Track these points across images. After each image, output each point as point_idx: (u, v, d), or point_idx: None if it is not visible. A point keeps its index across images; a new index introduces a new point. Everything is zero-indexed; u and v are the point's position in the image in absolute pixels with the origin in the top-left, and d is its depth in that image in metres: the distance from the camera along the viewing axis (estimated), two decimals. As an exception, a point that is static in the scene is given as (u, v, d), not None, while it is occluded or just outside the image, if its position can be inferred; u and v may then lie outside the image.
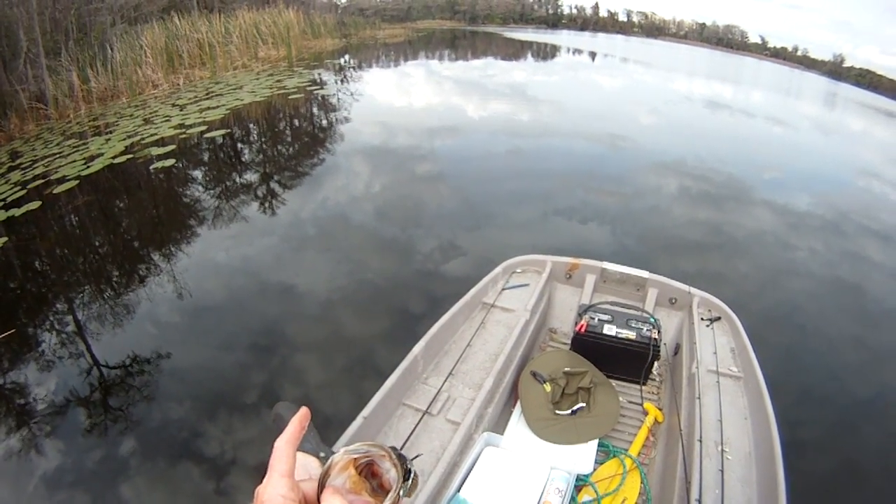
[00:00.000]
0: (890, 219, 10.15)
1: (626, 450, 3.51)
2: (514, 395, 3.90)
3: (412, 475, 0.90)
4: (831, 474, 4.41)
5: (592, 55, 34.02)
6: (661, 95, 20.77)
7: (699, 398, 3.44)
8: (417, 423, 3.25)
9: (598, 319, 4.14)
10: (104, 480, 4.33)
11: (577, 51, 35.09)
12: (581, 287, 4.89)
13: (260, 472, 0.79)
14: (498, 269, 4.79)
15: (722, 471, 2.95)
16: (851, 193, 11.45)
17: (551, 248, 5.24)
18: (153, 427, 4.79)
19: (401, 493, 0.88)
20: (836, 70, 62.74)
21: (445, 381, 3.58)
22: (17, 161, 11.27)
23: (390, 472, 0.89)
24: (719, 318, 4.36)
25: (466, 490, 3.01)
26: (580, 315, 4.20)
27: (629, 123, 15.59)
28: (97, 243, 8.42)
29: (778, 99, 23.59)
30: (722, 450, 3.10)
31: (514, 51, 31.44)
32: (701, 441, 3.10)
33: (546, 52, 32.48)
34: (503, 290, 4.61)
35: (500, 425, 3.67)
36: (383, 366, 4.88)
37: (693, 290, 4.57)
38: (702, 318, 4.33)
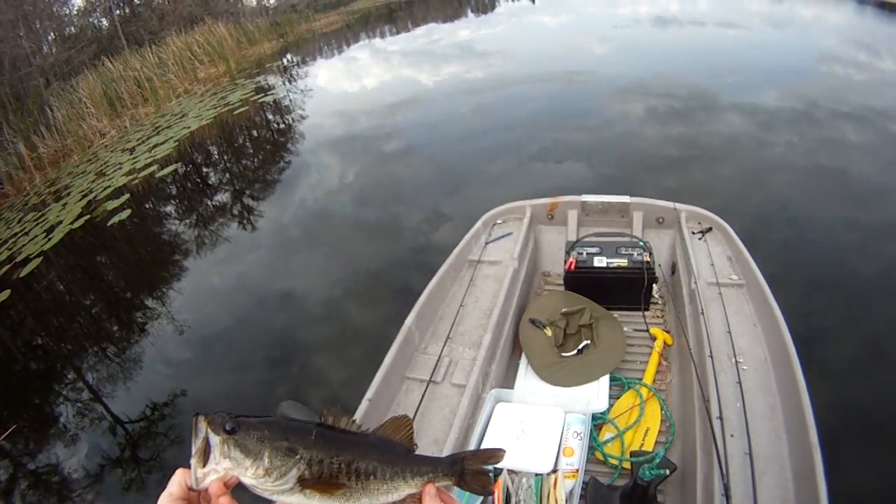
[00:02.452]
0: (858, 98, 10.08)
1: (640, 379, 3.48)
2: (516, 346, 3.87)
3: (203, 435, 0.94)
4: (851, 360, 4.39)
5: (532, -2, 33.86)
6: (607, 22, 20.62)
7: (703, 313, 3.40)
8: (424, 394, 3.22)
9: (587, 253, 4.10)
10: None
11: (516, -3, 34.91)
12: (565, 225, 4.81)
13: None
14: (478, 224, 4.72)
15: (740, 382, 2.91)
16: (816, 80, 11.35)
17: (534, 193, 5.20)
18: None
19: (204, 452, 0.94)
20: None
21: (444, 346, 3.54)
22: None
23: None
24: (710, 229, 4.30)
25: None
26: (568, 253, 4.16)
27: (582, 56, 15.50)
28: (77, 315, 8.35)
29: (724, 2, 23.47)
30: (736, 361, 3.06)
31: (453, 11, 31.19)
32: (712, 356, 3.06)
33: (485, 5, 32.19)
34: (487, 243, 4.56)
35: (508, 379, 3.65)
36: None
37: (678, 205, 4.50)
38: (693, 232, 4.27)
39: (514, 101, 12.38)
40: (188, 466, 0.96)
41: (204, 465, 0.94)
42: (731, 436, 2.65)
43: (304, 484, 0.98)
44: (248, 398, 5.33)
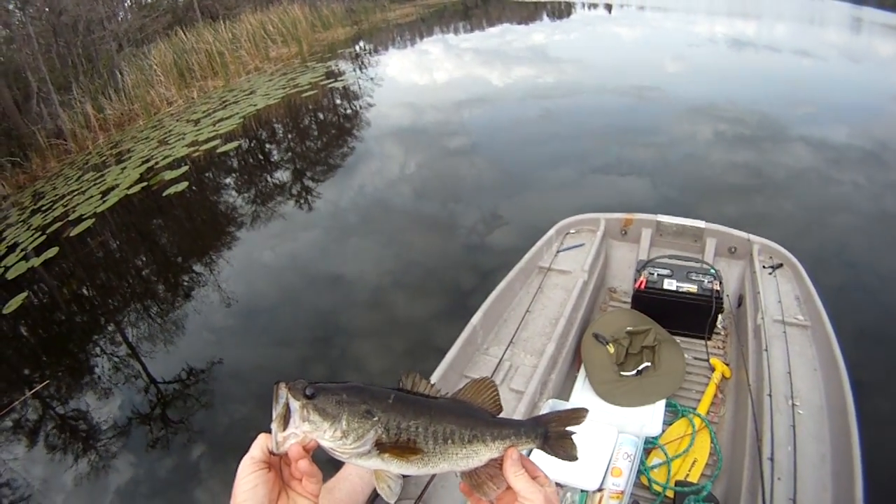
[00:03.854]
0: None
1: (695, 408, 3.43)
2: (577, 359, 3.84)
3: (285, 401, 0.98)
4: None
5: (608, 7, 33.36)
6: (682, 40, 20.28)
7: (766, 350, 3.33)
8: None
9: (658, 275, 4.05)
10: (178, 486, 4.53)
11: (593, 5, 34.47)
12: (637, 243, 4.77)
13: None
14: (551, 231, 4.70)
15: (794, 426, 2.85)
16: (889, 121, 11.14)
17: (594, 207, 5.18)
18: (219, 431, 4.96)
19: (285, 416, 0.98)
20: (857, -7, 61.04)
21: (506, 349, 3.54)
22: (39, 203, 11.34)
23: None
24: (781, 265, 4.20)
25: (533, 460, 2.90)
26: (639, 272, 4.11)
27: (655, 72, 15.26)
28: (123, 277, 8.54)
29: (802, 30, 22.94)
30: (792, 404, 3.00)
31: (529, 14, 30.92)
32: (771, 396, 3.01)
33: (561, 11, 31.92)
34: (558, 252, 4.53)
35: (564, 391, 3.62)
36: (441, 343, 4.94)
37: (752, 237, 4.42)
38: (763, 266, 4.18)
39: (583, 110, 12.31)
40: (269, 432, 1.00)
41: (284, 430, 0.98)
42: (779, 479, 2.61)
43: (381, 448, 1.00)
44: (284, 374, 5.36)
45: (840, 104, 12.32)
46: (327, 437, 0.98)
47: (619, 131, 10.62)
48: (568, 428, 1.16)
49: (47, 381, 6.13)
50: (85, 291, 8.33)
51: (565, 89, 14.18)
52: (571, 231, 4.80)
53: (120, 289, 8.20)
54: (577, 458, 1.16)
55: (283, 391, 0.99)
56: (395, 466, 1.03)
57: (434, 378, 3.12)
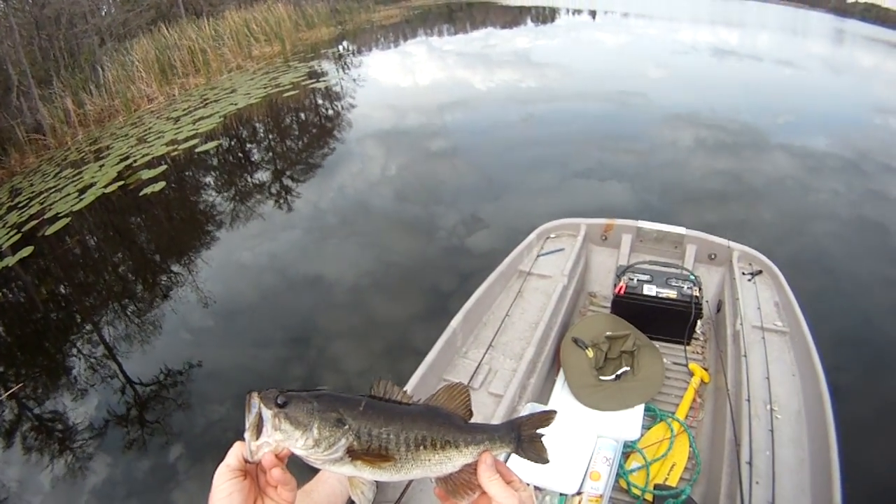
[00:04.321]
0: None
1: (673, 413, 3.45)
2: (556, 363, 3.83)
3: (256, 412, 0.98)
4: (887, 428, 4.31)
5: (592, 13, 33.59)
6: (665, 47, 20.46)
7: (745, 356, 3.36)
8: None
9: (638, 280, 4.05)
10: (156, 488, 4.48)
11: (577, 11, 34.64)
12: (617, 248, 4.78)
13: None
14: (532, 236, 4.68)
15: (772, 431, 2.88)
16: (868, 132, 11.25)
17: (575, 211, 5.18)
18: (196, 432, 4.91)
19: (258, 427, 0.98)
20: (840, 6, 61.57)
21: (486, 353, 3.53)
22: (16, 200, 11.12)
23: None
24: (760, 272, 4.23)
25: (512, 463, 2.84)
26: (618, 276, 4.12)
27: (637, 79, 15.36)
28: (99, 277, 8.42)
29: (784, 40, 23.17)
30: (771, 409, 3.03)
31: (513, 18, 31.07)
32: (749, 401, 3.03)
33: (545, 16, 32.03)
34: (538, 256, 4.52)
35: (543, 395, 3.62)
36: (419, 345, 4.92)
37: (732, 244, 4.45)
38: (743, 273, 4.22)
39: (565, 115, 12.34)
40: (244, 439, 1.00)
41: (257, 439, 0.99)
42: (757, 483, 2.62)
43: (353, 455, 1.00)
44: (262, 374, 5.40)
45: (820, 114, 12.50)
46: (299, 445, 0.98)
47: (600, 137, 10.67)
48: (538, 430, 1.15)
49: (23, 384, 6.03)
50: (61, 291, 8.21)
51: (548, 94, 14.25)
52: (552, 235, 4.80)
53: (96, 288, 8.09)
54: (548, 461, 1.14)
55: (255, 400, 1.00)
56: (368, 473, 1.03)
57: (413, 381, 3.14)
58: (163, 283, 7.53)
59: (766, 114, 12.03)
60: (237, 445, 1.04)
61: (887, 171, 9.15)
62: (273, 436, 0.98)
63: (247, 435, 0.99)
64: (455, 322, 3.58)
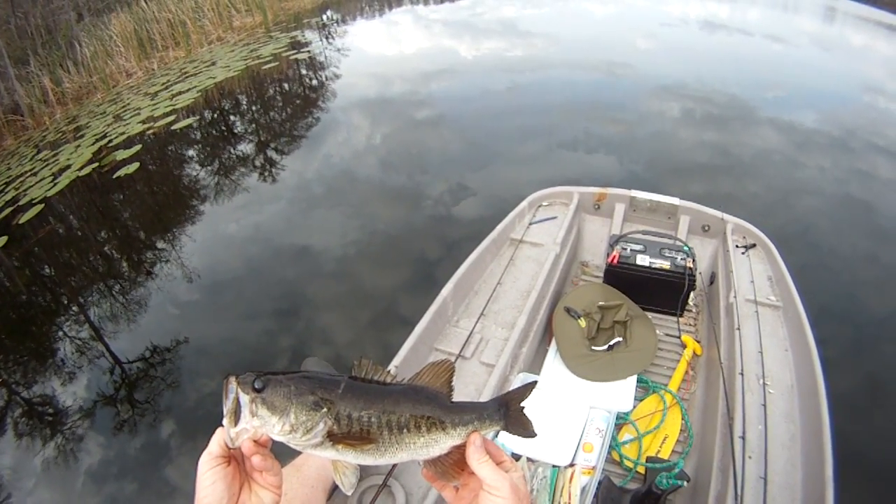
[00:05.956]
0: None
1: (666, 385, 3.42)
2: (548, 332, 3.79)
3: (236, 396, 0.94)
4: (881, 399, 4.34)
5: (581, -18, 33.47)
6: (655, 18, 20.31)
7: (738, 329, 3.33)
8: None
9: (631, 250, 4.00)
10: (148, 465, 4.48)
11: (565, -20, 34.51)
12: (610, 217, 4.73)
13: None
14: (524, 203, 4.64)
15: (764, 405, 2.88)
16: (858, 110, 11.25)
17: (561, 180, 5.13)
18: (186, 408, 4.91)
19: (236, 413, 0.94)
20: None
21: (477, 322, 3.47)
22: None
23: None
24: (755, 245, 4.21)
25: (503, 434, 2.80)
26: (611, 246, 4.07)
27: (626, 49, 15.22)
28: (79, 261, 8.32)
29: (775, 15, 23.08)
30: (763, 383, 3.02)
31: (501, -15, 30.93)
32: (742, 374, 3.02)
33: (533, -16, 31.91)
34: (530, 224, 4.47)
35: (535, 364, 3.58)
36: (408, 314, 4.93)
37: (726, 216, 4.42)
38: (736, 246, 4.19)
39: (552, 84, 12.22)
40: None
41: (235, 425, 0.96)
42: (749, 457, 2.61)
43: (333, 439, 0.97)
44: (251, 347, 5.36)
45: (809, 90, 12.47)
46: (276, 431, 0.96)
47: (586, 106, 10.60)
48: (522, 404, 1.13)
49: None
50: (40, 280, 8.07)
51: (534, 63, 14.10)
52: (544, 203, 4.75)
53: (76, 274, 7.98)
54: (535, 434, 1.13)
55: (232, 385, 0.97)
56: (351, 457, 1.00)
57: (403, 351, 3.09)
58: (146, 260, 7.46)
59: (754, 88, 11.95)
60: (219, 432, 1.01)
61: (876, 150, 9.13)
62: (251, 422, 0.95)
63: (225, 421, 0.96)
64: (446, 290, 3.53)
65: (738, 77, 12.71)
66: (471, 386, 3.12)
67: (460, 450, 1.03)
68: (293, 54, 15.86)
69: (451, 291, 3.55)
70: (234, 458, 1.01)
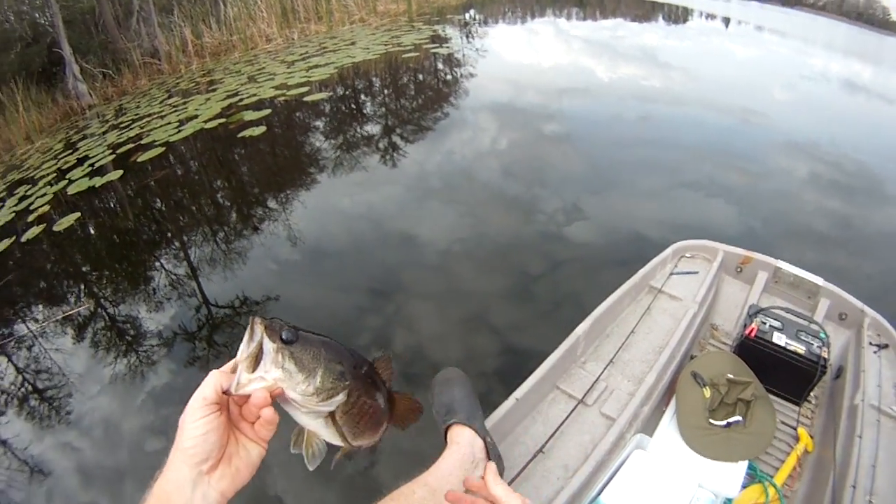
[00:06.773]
0: None
1: (772, 476, 3.22)
2: (667, 392, 3.63)
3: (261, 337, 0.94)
4: None
5: (726, 21, 32.54)
6: (795, 69, 19.60)
7: (860, 437, 3.07)
8: (570, 413, 3.06)
9: (770, 325, 3.77)
10: None
11: (710, 16, 33.60)
12: (750, 284, 4.53)
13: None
14: (668, 251, 4.52)
15: None
16: None
17: (677, 222, 5.04)
18: None
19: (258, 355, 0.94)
20: None
21: (605, 369, 3.37)
22: (119, 119, 11.47)
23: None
24: (887, 346, 3.87)
25: (609, 494, 2.79)
26: (750, 317, 3.84)
27: (762, 97, 14.80)
28: (180, 211, 8.62)
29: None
30: (869, 501, 2.75)
31: (645, 12, 30.29)
32: (854, 487, 2.77)
33: (677, 16, 31.12)
34: (671, 274, 4.36)
35: (650, 425, 3.39)
36: (497, 323, 5.05)
37: (866, 308, 4.12)
38: (870, 343, 3.88)
39: (683, 121, 12.05)
40: (223, 369, 0.96)
41: (252, 371, 0.92)
42: None
43: (334, 416, 0.97)
44: (339, 318, 5.50)
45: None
46: (299, 389, 0.93)
47: (715, 151, 10.37)
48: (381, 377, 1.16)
49: (84, 306, 6.34)
50: (149, 213, 8.52)
51: (669, 96, 13.87)
52: (687, 255, 4.63)
53: (185, 214, 8.36)
54: (421, 409, 1.30)
55: (258, 329, 0.94)
56: (327, 435, 1.00)
57: (525, 386, 3.03)
58: (255, 216, 7.76)
59: (890, 161, 11.54)
60: (215, 374, 0.97)
61: None
62: (272, 373, 0.92)
63: (241, 365, 0.93)
64: (581, 329, 3.45)
65: (871, 146, 12.22)
66: (586, 435, 3.05)
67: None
68: (433, 47, 16.05)
69: (585, 331, 3.46)
70: (223, 406, 0.96)
